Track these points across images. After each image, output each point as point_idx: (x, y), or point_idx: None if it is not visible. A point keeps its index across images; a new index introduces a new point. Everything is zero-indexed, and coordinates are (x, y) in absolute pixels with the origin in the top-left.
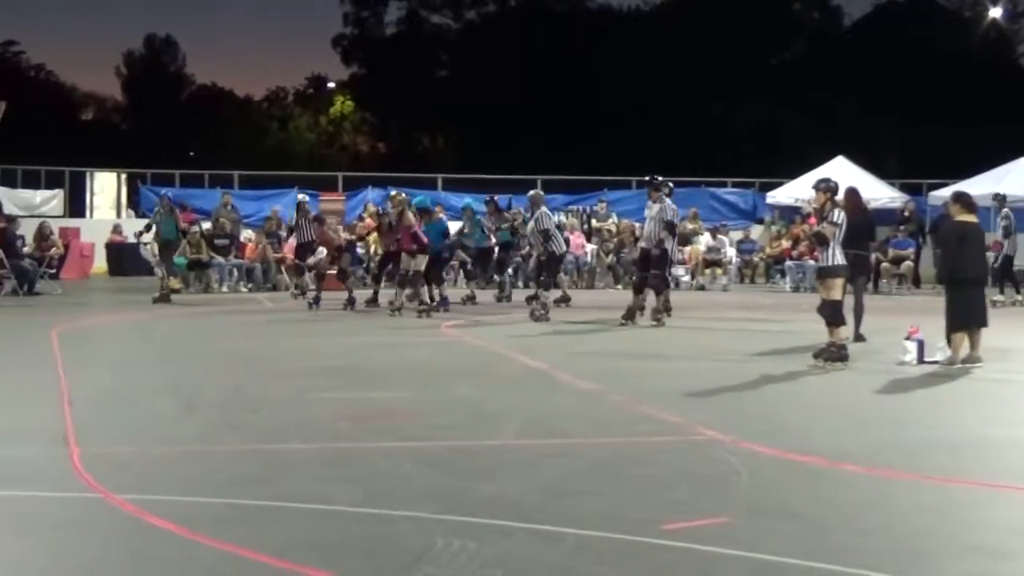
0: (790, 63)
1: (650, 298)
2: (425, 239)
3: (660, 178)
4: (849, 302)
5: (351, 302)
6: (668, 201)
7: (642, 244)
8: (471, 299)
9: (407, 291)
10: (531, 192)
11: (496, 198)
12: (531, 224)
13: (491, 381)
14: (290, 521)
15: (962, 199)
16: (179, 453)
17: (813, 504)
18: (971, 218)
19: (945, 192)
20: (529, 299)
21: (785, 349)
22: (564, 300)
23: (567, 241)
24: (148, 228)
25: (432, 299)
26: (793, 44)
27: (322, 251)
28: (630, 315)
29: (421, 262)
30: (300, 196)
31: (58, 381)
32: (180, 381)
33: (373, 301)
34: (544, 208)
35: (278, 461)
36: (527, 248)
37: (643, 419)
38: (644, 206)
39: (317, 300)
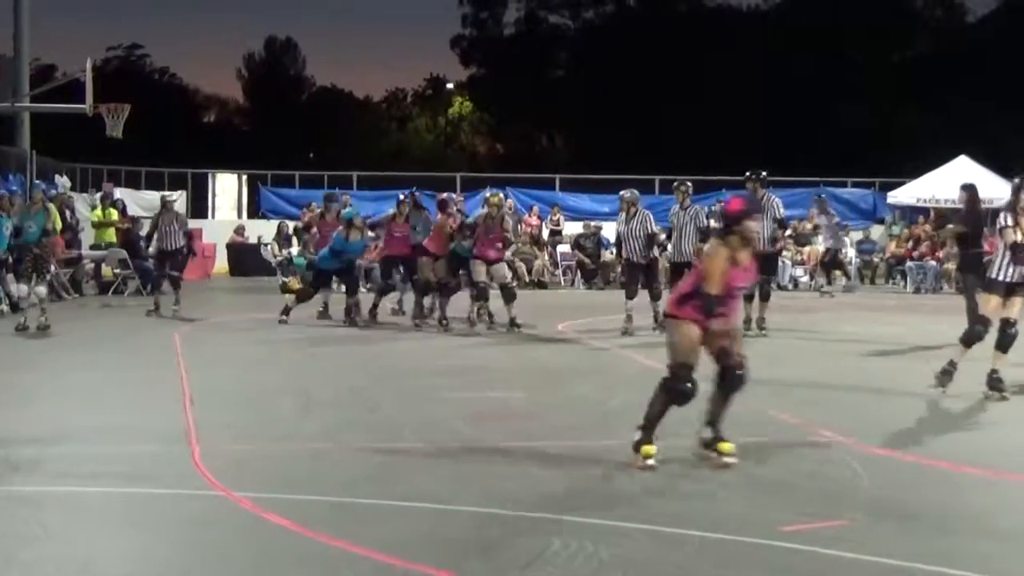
0: (912, 61)
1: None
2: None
3: (763, 172)
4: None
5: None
6: (775, 195)
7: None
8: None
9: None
10: (625, 192)
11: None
12: (632, 225)
13: (609, 380)
14: (407, 520)
15: None
16: (297, 451)
17: (936, 508)
18: None
19: None
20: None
21: (906, 350)
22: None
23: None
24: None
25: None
26: (915, 42)
27: None
28: (747, 323)
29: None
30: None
31: (179, 380)
32: (299, 380)
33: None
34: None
35: (395, 460)
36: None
37: (763, 420)
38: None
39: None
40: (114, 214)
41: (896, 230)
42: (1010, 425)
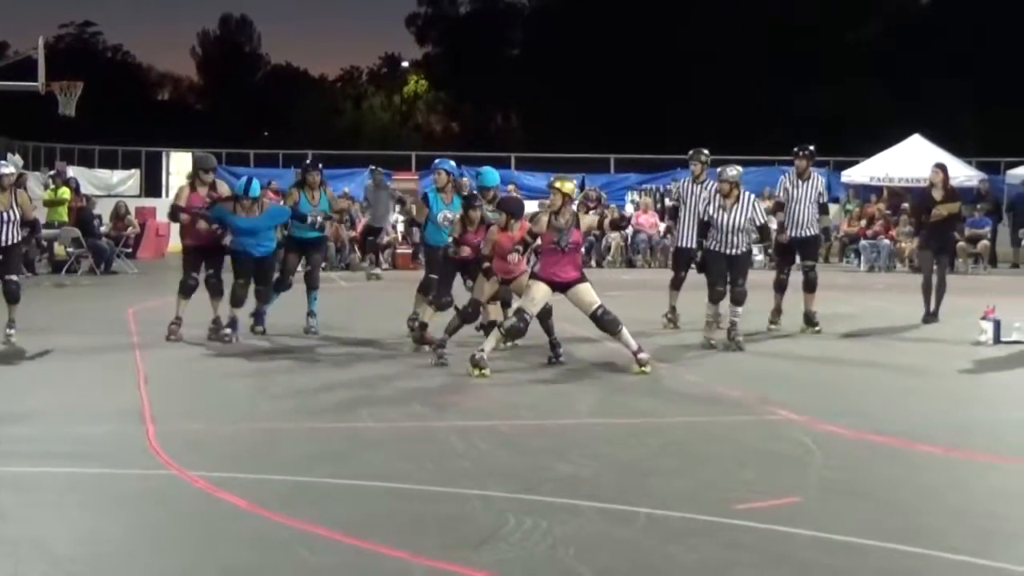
0: (866, 41)
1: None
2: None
3: (811, 147)
4: (930, 279)
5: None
6: (821, 176)
7: (787, 234)
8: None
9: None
10: (730, 170)
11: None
12: (734, 215)
13: (567, 362)
14: (362, 499)
15: None
16: (252, 431)
17: (887, 485)
18: None
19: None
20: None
21: (860, 328)
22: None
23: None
24: None
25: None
26: (870, 22)
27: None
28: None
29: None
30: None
31: (134, 360)
32: (254, 360)
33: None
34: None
35: (351, 440)
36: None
37: (715, 397)
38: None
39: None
40: (67, 193)
41: (850, 209)
42: (963, 402)
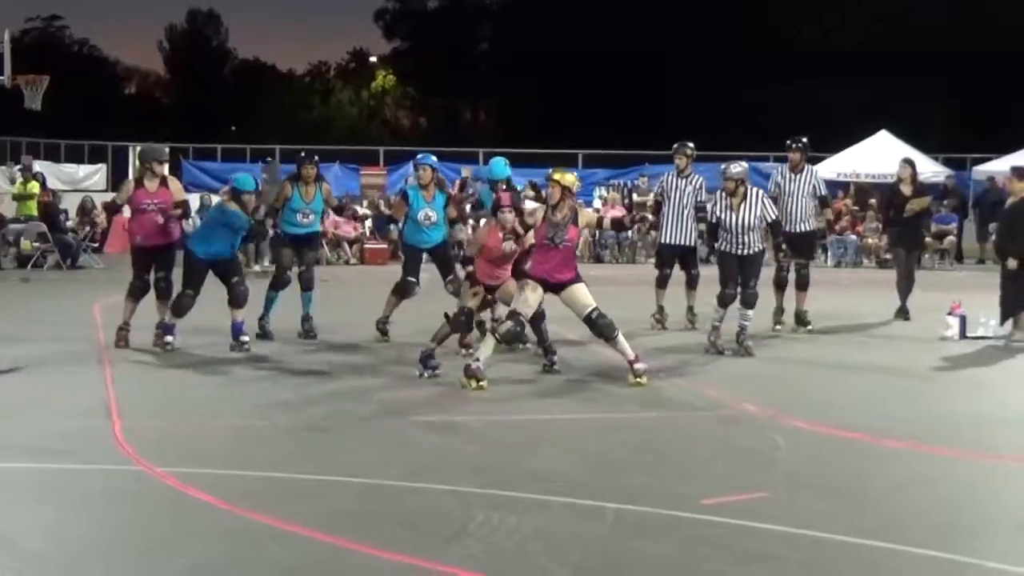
0: (833, 38)
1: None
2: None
3: (804, 139)
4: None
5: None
6: (816, 170)
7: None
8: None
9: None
10: (734, 166)
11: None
12: (741, 214)
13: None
14: (331, 495)
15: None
16: (220, 428)
17: (853, 480)
18: None
19: (992, 166)
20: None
21: (828, 324)
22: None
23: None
24: None
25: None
26: (836, 19)
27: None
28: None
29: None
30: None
31: (101, 356)
32: (222, 357)
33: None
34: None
35: (320, 436)
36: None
37: (684, 394)
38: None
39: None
40: (36, 187)
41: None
42: (929, 398)
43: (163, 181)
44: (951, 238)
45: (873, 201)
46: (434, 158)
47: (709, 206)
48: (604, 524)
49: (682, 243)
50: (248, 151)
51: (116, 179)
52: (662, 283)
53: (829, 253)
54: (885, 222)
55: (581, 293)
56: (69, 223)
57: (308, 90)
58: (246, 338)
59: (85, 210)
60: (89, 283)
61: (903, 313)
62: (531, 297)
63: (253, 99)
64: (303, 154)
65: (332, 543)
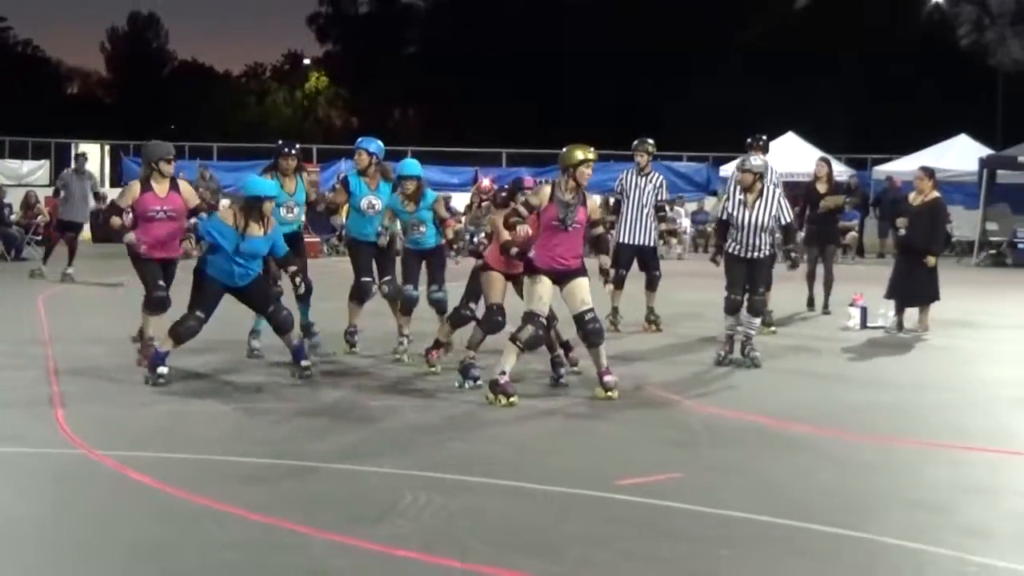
0: (745, 43)
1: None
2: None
3: (763, 137)
4: (818, 271)
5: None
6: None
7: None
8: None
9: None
10: (755, 159)
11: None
12: (757, 212)
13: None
14: (265, 477)
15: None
16: (159, 413)
17: (765, 462)
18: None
19: (891, 167)
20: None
21: None
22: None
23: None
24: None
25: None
26: (749, 24)
27: None
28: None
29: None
30: None
31: (44, 346)
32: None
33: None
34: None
35: (254, 420)
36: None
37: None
38: (613, 178)
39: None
40: None
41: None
42: (832, 385)
43: (173, 184)
44: (853, 234)
45: (837, 198)
46: (378, 143)
47: (716, 207)
48: (527, 504)
49: (640, 243)
50: (187, 149)
51: (58, 174)
52: (618, 284)
53: None
54: (800, 218)
55: (584, 288)
56: (13, 216)
57: (245, 90)
58: (308, 363)
59: (29, 204)
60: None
61: (822, 310)
62: (542, 292)
63: (192, 99)
64: (281, 143)
65: (266, 522)
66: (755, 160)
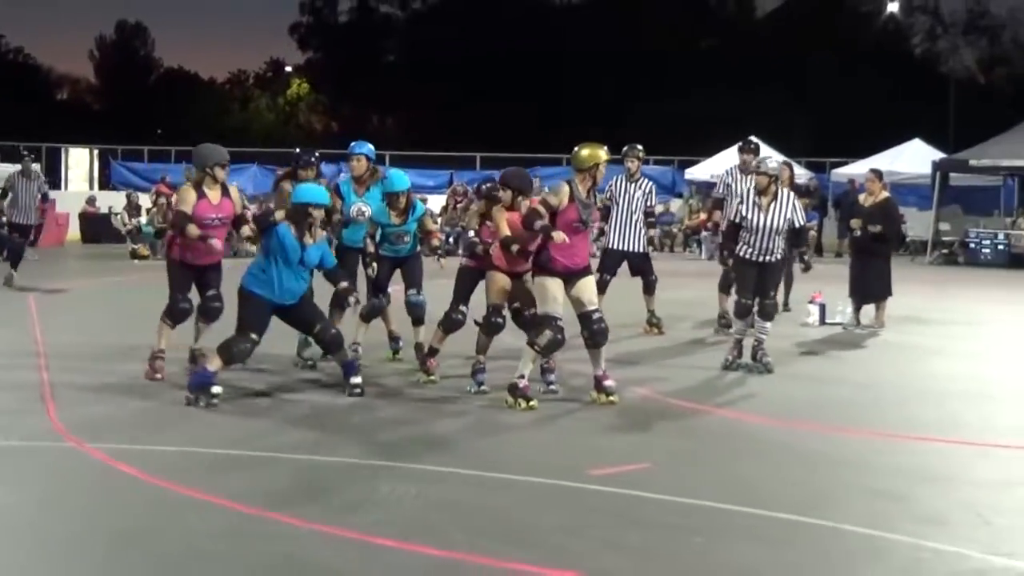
0: (709, 51)
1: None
2: None
3: (756, 140)
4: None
5: None
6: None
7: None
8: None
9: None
10: (771, 161)
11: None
12: (772, 215)
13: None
14: (248, 468)
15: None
16: (148, 408)
17: (729, 454)
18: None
19: (848, 169)
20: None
21: (704, 316)
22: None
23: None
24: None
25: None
26: (712, 33)
27: None
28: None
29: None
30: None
31: (35, 342)
32: (149, 341)
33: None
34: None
35: (238, 414)
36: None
37: (574, 376)
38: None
39: None
40: None
41: (693, 203)
42: (792, 378)
43: (224, 189)
44: (812, 234)
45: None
46: (370, 146)
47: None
48: (501, 494)
49: (630, 249)
50: (173, 153)
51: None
52: (601, 288)
53: (703, 247)
54: None
55: (592, 287)
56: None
57: (229, 97)
58: (358, 379)
59: None
60: (24, 275)
61: (783, 308)
62: (556, 292)
63: (178, 105)
64: (299, 151)
65: (247, 512)
66: (771, 163)
